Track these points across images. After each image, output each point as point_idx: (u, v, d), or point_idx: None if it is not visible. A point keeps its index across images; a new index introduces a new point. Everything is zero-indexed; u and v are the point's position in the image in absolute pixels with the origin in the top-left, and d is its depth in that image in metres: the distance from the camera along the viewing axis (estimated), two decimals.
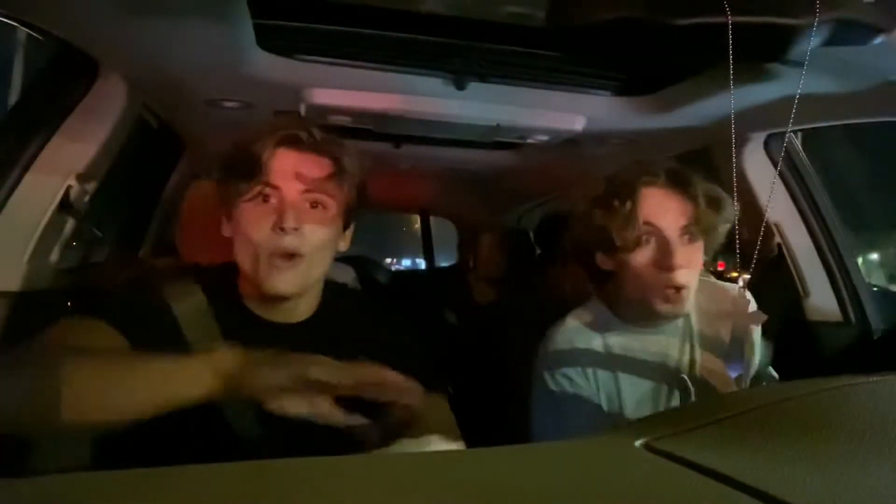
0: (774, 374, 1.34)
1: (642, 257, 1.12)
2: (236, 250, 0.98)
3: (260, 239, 0.94)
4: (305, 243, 0.95)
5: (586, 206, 1.19)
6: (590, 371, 1.22)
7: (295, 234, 0.94)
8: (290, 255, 0.94)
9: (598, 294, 1.30)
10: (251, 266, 0.96)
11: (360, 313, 1.11)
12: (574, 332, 1.26)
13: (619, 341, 1.24)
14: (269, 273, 0.94)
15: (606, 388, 1.22)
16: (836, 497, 0.43)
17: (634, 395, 1.22)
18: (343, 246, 1.08)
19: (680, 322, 1.24)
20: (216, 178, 1.02)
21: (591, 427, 1.17)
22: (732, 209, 1.14)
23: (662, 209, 1.12)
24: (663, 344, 1.23)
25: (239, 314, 1.00)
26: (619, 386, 1.22)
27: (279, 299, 0.99)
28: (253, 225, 0.95)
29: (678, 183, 1.13)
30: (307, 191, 0.97)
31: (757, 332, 1.25)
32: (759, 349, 1.27)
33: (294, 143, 0.97)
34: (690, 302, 1.15)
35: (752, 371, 1.25)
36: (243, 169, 0.95)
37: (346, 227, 1.07)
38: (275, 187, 0.95)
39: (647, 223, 1.12)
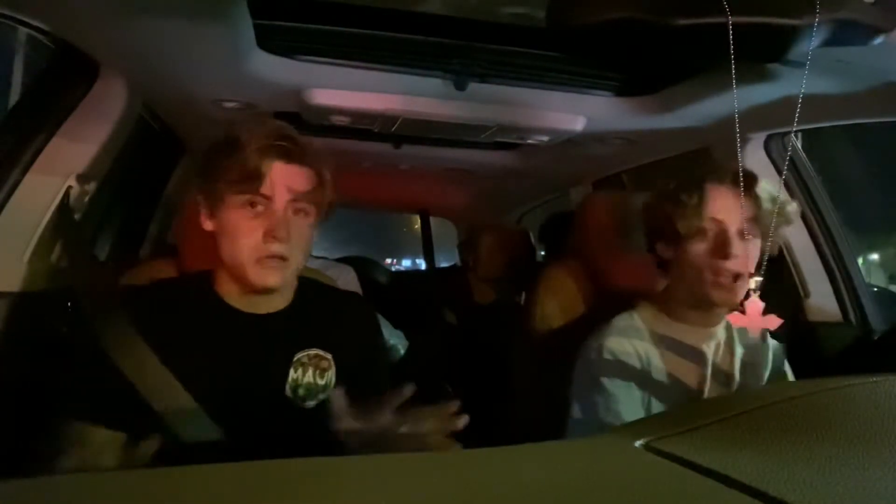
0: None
1: (702, 248, 1.20)
2: (223, 248, 1.05)
3: (251, 244, 1.02)
4: (292, 248, 1.03)
5: (657, 198, 1.29)
6: (635, 370, 1.24)
7: (284, 241, 1.02)
8: (278, 258, 1.02)
9: (649, 293, 1.36)
10: (240, 265, 1.03)
11: (334, 310, 1.20)
12: (623, 330, 1.29)
13: (666, 341, 1.27)
14: (258, 272, 1.02)
15: (652, 390, 1.24)
16: (836, 497, 0.43)
17: (675, 395, 1.24)
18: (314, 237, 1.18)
19: (723, 327, 1.29)
20: (204, 179, 1.07)
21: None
22: (792, 211, 1.21)
23: (727, 206, 1.19)
24: (708, 345, 1.27)
25: (216, 308, 1.09)
26: (663, 385, 1.24)
27: (262, 292, 1.07)
28: (244, 230, 1.02)
29: (752, 183, 1.20)
30: (294, 200, 1.04)
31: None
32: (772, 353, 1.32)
33: (285, 154, 1.04)
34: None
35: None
36: (236, 176, 1.01)
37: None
38: (267, 197, 1.02)
39: (711, 218, 1.20)
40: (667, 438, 0.55)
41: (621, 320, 1.31)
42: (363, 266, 3.25)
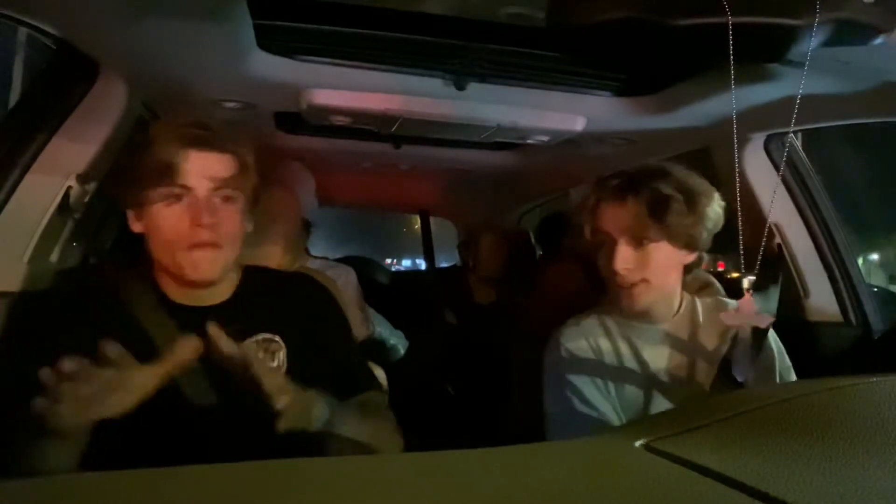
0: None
1: (602, 261, 1.25)
2: (153, 246, 1.05)
3: (179, 235, 1.01)
4: (221, 234, 1.03)
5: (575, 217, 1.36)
6: (596, 369, 1.27)
7: (211, 227, 1.01)
8: (209, 246, 1.02)
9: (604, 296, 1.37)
10: (172, 259, 1.03)
11: (280, 291, 1.19)
12: (581, 331, 1.32)
13: (621, 340, 1.30)
14: (190, 263, 1.02)
15: (612, 386, 1.26)
16: (835, 497, 0.43)
17: (634, 393, 1.26)
18: (249, 227, 1.14)
19: (679, 323, 1.30)
20: (124, 182, 1.06)
21: (602, 424, 1.21)
22: (686, 208, 1.20)
23: (612, 218, 1.23)
24: (660, 344, 1.29)
25: (157, 303, 1.08)
26: (623, 384, 1.26)
27: (199, 285, 1.07)
28: (171, 223, 1.01)
29: (628, 192, 1.22)
30: (218, 188, 1.03)
31: (772, 334, 1.31)
32: (776, 350, 1.32)
33: (199, 142, 1.02)
34: (656, 297, 1.25)
35: (776, 374, 1.30)
36: (152, 171, 1.00)
37: (250, 213, 1.15)
38: (187, 188, 1.01)
39: (602, 231, 1.24)
40: (667, 438, 0.55)
41: (579, 319, 1.35)
42: (363, 266, 3.25)
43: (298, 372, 1.09)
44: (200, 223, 1.00)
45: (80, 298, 1.10)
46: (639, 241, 1.20)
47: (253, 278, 1.17)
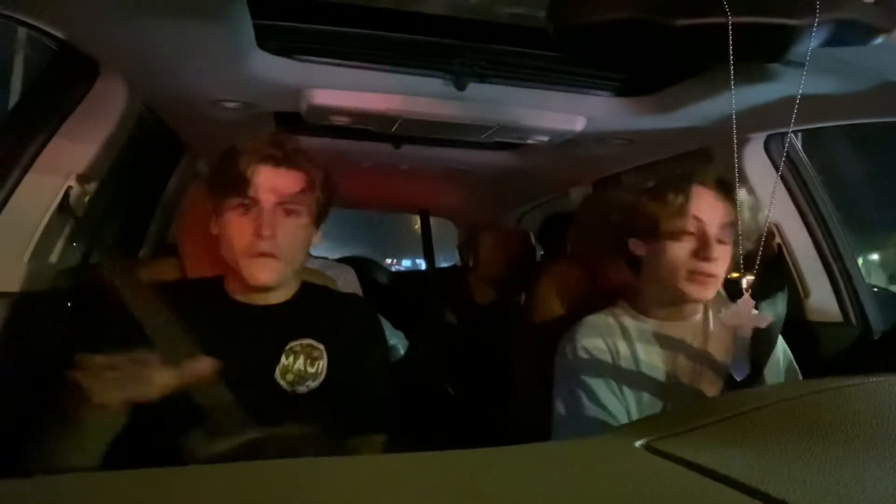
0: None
1: (683, 247, 1.24)
2: (223, 248, 1.17)
3: (242, 243, 1.13)
4: (278, 246, 1.13)
5: (637, 195, 1.33)
6: (612, 370, 1.26)
7: (270, 238, 1.12)
8: (267, 256, 1.13)
9: (622, 291, 1.38)
10: (236, 263, 1.15)
11: (333, 308, 1.28)
12: (598, 330, 1.31)
13: (639, 340, 1.30)
14: (250, 268, 1.13)
15: (628, 388, 1.26)
16: (835, 497, 0.43)
17: (652, 394, 1.26)
18: (316, 241, 1.26)
19: (697, 323, 1.32)
20: (207, 186, 1.21)
21: (614, 423, 1.22)
22: (765, 217, 1.26)
23: (709, 207, 1.24)
24: (680, 342, 1.30)
25: (222, 301, 1.21)
26: (642, 385, 1.26)
27: (257, 289, 1.18)
28: (236, 231, 1.13)
29: (725, 188, 1.25)
30: (281, 202, 1.13)
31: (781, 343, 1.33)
32: (781, 351, 1.34)
33: (272, 160, 1.14)
34: (713, 296, 1.26)
35: (779, 375, 1.32)
36: (229, 182, 1.13)
37: (317, 227, 1.25)
38: (255, 200, 1.12)
39: (694, 217, 1.24)
40: (667, 438, 0.55)
41: (595, 318, 1.34)
42: (363, 266, 3.25)
43: (332, 386, 1.17)
44: (261, 234, 1.11)
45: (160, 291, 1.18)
46: (726, 237, 1.23)
47: (309, 291, 1.27)
